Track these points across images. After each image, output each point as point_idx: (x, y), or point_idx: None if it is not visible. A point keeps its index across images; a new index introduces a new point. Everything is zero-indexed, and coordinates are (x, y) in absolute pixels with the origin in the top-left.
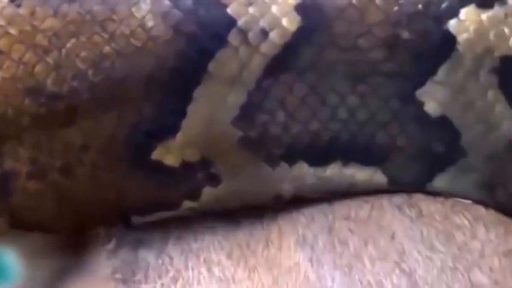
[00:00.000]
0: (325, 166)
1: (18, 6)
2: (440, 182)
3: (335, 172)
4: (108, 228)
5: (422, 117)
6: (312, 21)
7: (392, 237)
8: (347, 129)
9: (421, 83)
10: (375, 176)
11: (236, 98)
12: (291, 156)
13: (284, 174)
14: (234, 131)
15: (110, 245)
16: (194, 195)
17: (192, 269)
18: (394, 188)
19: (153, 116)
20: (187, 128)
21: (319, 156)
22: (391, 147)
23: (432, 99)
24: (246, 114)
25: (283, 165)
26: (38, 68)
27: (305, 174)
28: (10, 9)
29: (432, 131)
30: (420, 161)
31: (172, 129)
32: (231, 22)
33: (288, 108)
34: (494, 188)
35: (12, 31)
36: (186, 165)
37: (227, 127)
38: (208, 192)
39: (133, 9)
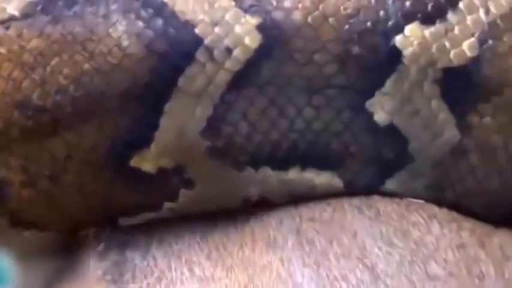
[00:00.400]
0: (286, 170)
1: (7, 28)
2: (391, 184)
3: (295, 176)
4: (98, 231)
5: (372, 127)
6: (272, 39)
7: (354, 235)
8: (304, 138)
9: (370, 95)
10: (332, 180)
11: (203, 111)
12: (255, 162)
13: (250, 178)
14: (202, 141)
15: (100, 248)
16: (173, 197)
17: (175, 270)
18: (349, 190)
19: (129, 128)
20: (160, 139)
21: (280, 162)
22: (345, 154)
23: (381, 109)
24: (212, 125)
25: (249, 170)
26: (25, 84)
27: (269, 177)
28: (0, 31)
29: (382, 139)
30: (372, 166)
31: (146, 140)
32: (199, 41)
33: (250, 120)
34: (443, 190)
35: (2, 50)
36: (162, 171)
37: (196, 138)
38: (184, 194)
39: (110, 30)
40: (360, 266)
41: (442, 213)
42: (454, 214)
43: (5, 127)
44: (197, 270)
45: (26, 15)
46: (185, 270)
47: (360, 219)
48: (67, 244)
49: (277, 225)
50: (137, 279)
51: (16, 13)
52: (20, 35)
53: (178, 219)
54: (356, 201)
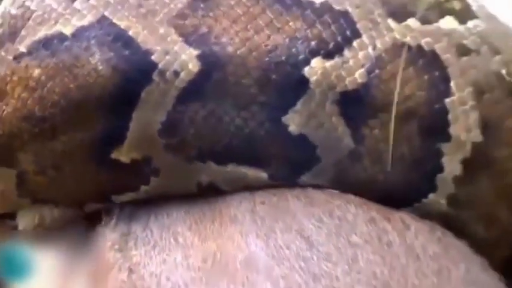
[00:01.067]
0: (226, 165)
1: (19, 62)
2: (305, 178)
3: (234, 170)
4: (108, 209)
5: (288, 135)
6: (210, 65)
7: (294, 216)
8: (237, 141)
9: (285, 112)
10: (260, 173)
11: (160, 117)
12: (202, 157)
13: (200, 169)
14: (159, 139)
15: (111, 223)
16: (146, 182)
17: (165, 239)
18: (273, 181)
19: (107, 130)
20: (130, 138)
21: (221, 158)
22: (268, 155)
23: (293, 123)
24: (167, 128)
25: (198, 163)
26: (29, 102)
27: (214, 169)
28: (14, 64)
29: (296, 145)
30: (289, 164)
31: (121, 139)
32: (155, 65)
33: (195, 125)
34: (343, 184)
35: (14, 78)
36: (134, 162)
37: (155, 137)
38: (154, 180)
39: (90, 58)
40: (298, 237)
41: (356, 198)
42: (364, 200)
43: (19, 134)
44: (181, 240)
45: (31, 51)
46: (172, 240)
47: (298, 203)
48: (84, 220)
49: (238, 206)
50: (138, 248)
51: (25, 50)
52: (26, 66)
53: (170, 199)
54: (295, 191)
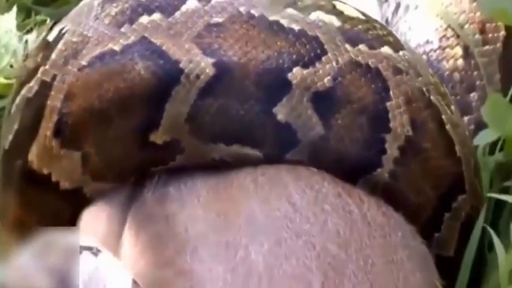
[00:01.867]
0: (232, 146)
1: (81, 72)
2: (289, 156)
3: (237, 149)
4: (152, 178)
5: (277, 123)
6: (221, 70)
7: (285, 187)
8: (239, 128)
9: (275, 105)
10: (257, 153)
11: (185, 109)
12: (214, 139)
13: (213, 148)
14: (185, 126)
15: (151, 187)
16: (173, 159)
17: (190, 199)
18: (267, 159)
19: (147, 119)
20: (163, 124)
21: (228, 141)
22: (263, 138)
23: (281, 113)
24: (190, 117)
25: (212, 144)
26: (90, 99)
27: (223, 149)
28: (78, 73)
29: (282, 130)
30: (277, 145)
31: (156, 125)
32: (182, 71)
33: (210, 115)
34: (319, 163)
35: (79, 83)
36: (166, 143)
37: (182, 123)
38: (179, 157)
39: (134, 66)
40: (287, 203)
41: (328, 176)
42: (333, 177)
43: (83, 123)
44: (201, 200)
45: (90, 64)
46: (195, 200)
47: (288, 178)
48: (135, 184)
49: (244, 177)
50: (171, 205)
51: (86, 63)
52: (87, 74)
53: (193, 170)
54: (288, 168)
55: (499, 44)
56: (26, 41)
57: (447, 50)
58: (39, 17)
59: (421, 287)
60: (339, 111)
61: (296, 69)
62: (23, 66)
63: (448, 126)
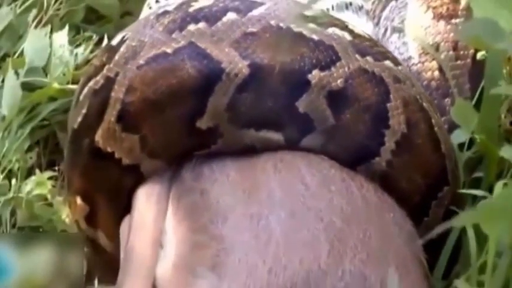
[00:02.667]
0: (260, 131)
1: (140, 70)
2: (305, 141)
3: (264, 134)
4: (190, 159)
5: (298, 113)
6: (255, 70)
7: (299, 170)
8: (267, 116)
9: (297, 100)
10: (280, 137)
11: (225, 101)
12: (247, 125)
13: (245, 133)
14: (224, 114)
15: (190, 167)
16: (214, 142)
17: (221, 177)
18: (287, 143)
19: (194, 108)
20: (207, 113)
21: (257, 126)
22: (285, 124)
23: (301, 106)
24: (229, 107)
25: (245, 130)
26: (147, 92)
27: (253, 134)
28: (136, 71)
29: (301, 119)
30: (296, 131)
31: (202, 113)
32: (223, 70)
33: (244, 106)
34: (328, 150)
35: (146, 80)
36: (209, 129)
37: (222, 112)
38: (219, 141)
39: (184, 65)
40: (300, 183)
41: (335, 163)
42: (339, 165)
43: (140, 112)
44: (230, 178)
45: (147, 63)
46: (225, 178)
47: (302, 163)
48: (176, 167)
49: (266, 161)
50: (205, 181)
51: (143, 62)
52: (145, 71)
53: (225, 153)
54: (302, 154)
55: (469, 60)
56: (76, 54)
57: (426, 63)
58: (86, 34)
59: (409, 260)
60: (348, 108)
61: (315, 72)
62: (90, 65)
63: (436, 128)
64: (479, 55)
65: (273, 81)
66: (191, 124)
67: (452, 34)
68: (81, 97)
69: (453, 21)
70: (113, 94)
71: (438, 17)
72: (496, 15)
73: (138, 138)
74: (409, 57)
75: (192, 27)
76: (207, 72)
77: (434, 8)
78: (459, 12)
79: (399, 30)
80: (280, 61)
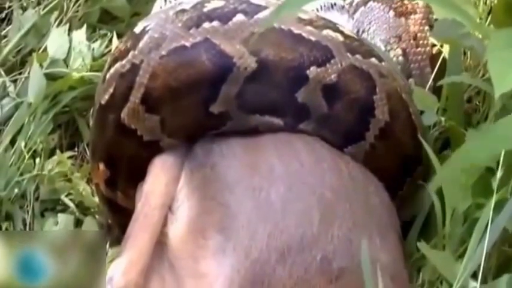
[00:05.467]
0: (264, 116)
1: (162, 59)
2: (302, 126)
3: (267, 119)
4: (205, 137)
5: (297, 103)
6: (261, 65)
7: (296, 149)
8: (270, 104)
9: (296, 91)
10: (280, 122)
11: (235, 90)
12: (253, 111)
13: (251, 118)
14: (234, 101)
15: (201, 143)
16: (224, 125)
17: (228, 153)
18: (286, 127)
19: (208, 94)
20: (219, 99)
21: (261, 112)
22: (286, 111)
23: (300, 97)
24: (238, 95)
25: (251, 115)
26: (168, 79)
27: (258, 118)
28: (159, 60)
29: (300, 107)
30: (295, 117)
31: (215, 99)
32: (234, 63)
33: (251, 94)
34: (321, 132)
35: (168, 68)
36: (220, 113)
37: (232, 99)
38: (229, 124)
39: (201, 58)
40: (296, 161)
41: (326, 144)
42: (330, 146)
43: (162, 96)
44: (237, 155)
45: (168, 54)
46: (231, 155)
47: (300, 144)
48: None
49: (267, 141)
50: (215, 157)
51: (165, 53)
52: (166, 62)
53: (232, 135)
54: (299, 136)
55: (428, 48)
56: (93, 48)
57: (391, 51)
58: (101, 31)
59: (387, 227)
60: (340, 99)
61: (312, 68)
62: (115, 48)
63: (413, 116)
64: (435, 49)
65: (276, 75)
66: (205, 109)
67: (412, 27)
68: (108, 76)
69: (412, 17)
70: (138, 79)
71: (399, 14)
72: (455, 15)
73: (158, 119)
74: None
75: (207, 25)
76: (221, 65)
77: (395, 8)
78: (417, 10)
79: (369, 30)
80: (283, 58)
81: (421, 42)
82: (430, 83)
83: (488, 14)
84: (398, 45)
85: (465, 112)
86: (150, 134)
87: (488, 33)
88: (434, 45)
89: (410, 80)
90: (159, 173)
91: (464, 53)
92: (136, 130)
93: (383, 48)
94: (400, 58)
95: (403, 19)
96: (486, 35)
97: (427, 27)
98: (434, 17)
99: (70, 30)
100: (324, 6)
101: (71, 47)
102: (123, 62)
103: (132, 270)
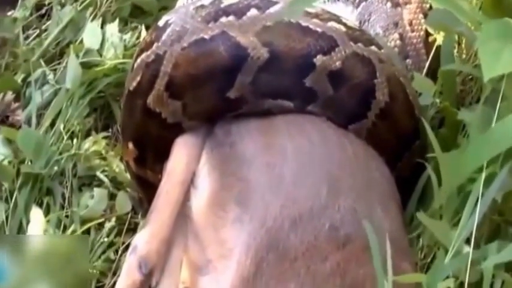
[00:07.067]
0: (276, 100)
1: (184, 51)
2: (310, 108)
3: (279, 102)
4: (224, 119)
5: (305, 87)
6: (273, 55)
7: (306, 129)
8: (281, 89)
9: (305, 77)
10: (290, 104)
11: (249, 78)
12: (265, 95)
13: (264, 102)
14: (249, 87)
15: (220, 124)
16: (241, 107)
17: (243, 133)
18: (296, 109)
19: (226, 81)
20: (235, 86)
21: (273, 96)
22: (296, 95)
23: (308, 82)
24: (252, 82)
25: (263, 99)
26: (193, 69)
27: (271, 102)
28: (181, 51)
29: (308, 91)
30: (303, 100)
31: (231, 86)
32: (249, 54)
33: (264, 81)
34: (327, 113)
35: (189, 58)
36: (237, 98)
37: (247, 86)
38: (244, 107)
39: (218, 49)
40: (307, 141)
41: (332, 124)
42: (335, 125)
43: (183, 83)
44: (251, 135)
45: (189, 46)
46: (247, 134)
47: (309, 124)
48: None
49: (279, 122)
50: (231, 135)
51: (186, 45)
52: (188, 53)
53: (248, 116)
54: (308, 117)
55: (422, 32)
56: (124, 40)
57: (389, 36)
58: (132, 24)
59: (388, 198)
60: (344, 83)
61: (319, 56)
62: (143, 40)
63: (410, 97)
64: (431, 38)
65: (286, 63)
66: (223, 94)
67: (407, 15)
68: (135, 65)
69: (407, 6)
70: (162, 68)
71: (395, 5)
72: (452, 7)
73: (180, 104)
74: (377, 34)
75: (223, 19)
76: (236, 55)
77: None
78: (412, 0)
79: (370, 20)
80: (292, 48)
81: (415, 27)
82: (426, 67)
83: (480, 7)
84: (396, 30)
85: (458, 94)
86: (173, 117)
87: (479, 24)
88: (430, 34)
89: (408, 60)
90: (181, 152)
91: (459, 43)
92: (161, 113)
93: (382, 34)
94: (398, 42)
95: (399, 8)
96: (477, 26)
97: (421, 15)
98: (427, 6)
99: (103, 23)
100: None
101: (104, 39)
102: (149, 52)
103: (154, 240)
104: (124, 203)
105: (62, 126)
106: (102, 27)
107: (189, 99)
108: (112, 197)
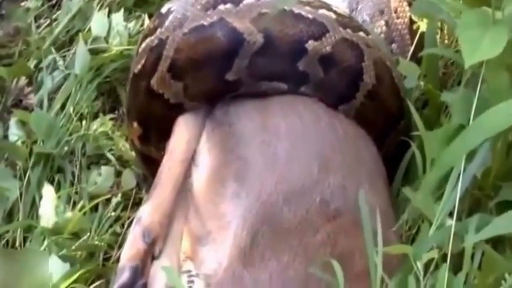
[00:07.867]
0: (272, 82)
1: (185, 36)
2: (303, 89)
3: (275, 84)
4: (224, 101)
5: (299, 70)
6: (267, 39)
7: (298, 110)
8: (276, 72)
9: (297, 61)
10: (284, 86)
11: (246, 62)
12: (262, 78)
13: (261, 84)
14: (246, 70)
15: (219, 105)
16: (240, 88)
17: (242, 114)
18: (289, 91)
19: (224, 65)
20: (233, 69)
21: (268, 79)
22: (289, 77)
23: (301, 66)
24: (249, 65)
25: (260, 81)
26: (192, 53)
27: (267, 84)
28: (182, 37)
29: (301, 74)
30: (297, 82)
31: (230, 68)
32: (245, 39)
33: (260, 64)
34: (320, 93)
35: (190, 42)
36: (235, 80)
37: (244, 69)
38: (242, 88)
39: (216, 34)
40: (299, 120)
41: (323, 105)
42: (327, 107)
43: (184, 66)
44: (250, 116)
45: (190, 32)
46: (245, 115)
47: (302, 105)
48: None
49: (274, 103)
50: (231, 117)
51: (187, 31)
52: (188, 38)
53: (246, 98)
54: (302, 98)
55: (407, 19)
56: (129, 28)
57: (376, 23)
58: (136, 13)
59: (375, 175)
60: (334, 66)
61: (311, 41)
62: (147, 26)
63: (396, 80)
64: (415, 26)
65: (280, 48)
66: (221, 77)
67: (392, 3)
68: (140, 49)
69: None
70: (165, 52)
71: None
72: None
73: (182, 85)
74: (364, 21)
75: (222, 7)
76: (233, 40)
77: None
78: None
79: (358, 8)
80: (285, 33)
81: (401, 14)
82: (411, 52)
83: None
84: (382, 17)
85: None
86: (175, 97)
87: (460, 13)
88: (414, 22)
89: (393, 45)
90: (182, 131)
91: (441, 29)
92: (163, 94)
93: (369, 21)
94: (384, 28)
95: None
96: (458, 14)
97: (405, 3)
98: None
99: (110, 13)
100: None
101: (110, 27)
102: (152, 37)
103: (157, 212)
104: (129, 179)
105: (71, 109)
106: (108, 17)
107: (190, 81)
108: (118, 174)
